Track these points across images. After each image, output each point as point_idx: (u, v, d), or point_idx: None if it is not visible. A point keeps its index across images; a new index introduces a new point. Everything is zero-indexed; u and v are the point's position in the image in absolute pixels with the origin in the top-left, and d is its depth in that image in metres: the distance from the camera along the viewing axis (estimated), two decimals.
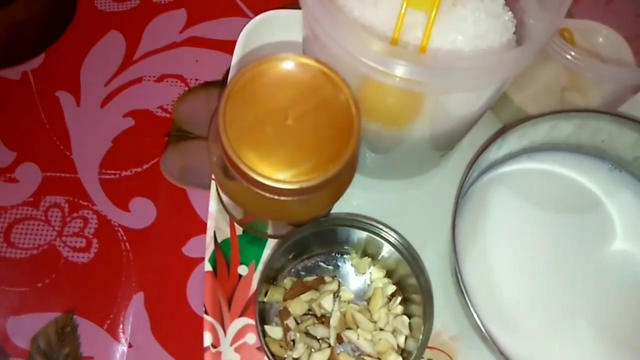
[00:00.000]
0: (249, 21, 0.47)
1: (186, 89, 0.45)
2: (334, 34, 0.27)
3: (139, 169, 0.42)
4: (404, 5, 0.32)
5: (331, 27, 0.27)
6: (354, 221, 0.36)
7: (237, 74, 0.27)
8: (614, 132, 0.37)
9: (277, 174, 0.25)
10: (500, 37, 0.33)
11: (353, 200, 0.39)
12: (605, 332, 0.34)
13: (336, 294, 0.36)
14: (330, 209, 0.37)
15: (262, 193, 0.26)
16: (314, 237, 0.37)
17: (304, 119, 0.26)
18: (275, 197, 0.26)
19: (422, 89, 0.29)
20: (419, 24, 0.33)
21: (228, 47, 0.44)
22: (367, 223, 0.36)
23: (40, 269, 0.39)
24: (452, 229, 0.33)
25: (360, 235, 0.36)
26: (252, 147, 0.26)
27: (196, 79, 0.45)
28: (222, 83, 0.45)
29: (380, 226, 0.35)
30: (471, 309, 0.31)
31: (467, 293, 0.32)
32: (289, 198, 0.26)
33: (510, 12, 0.34)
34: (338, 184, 0.30)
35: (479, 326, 0.31)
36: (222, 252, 0.37)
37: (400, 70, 0.27)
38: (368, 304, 0.36)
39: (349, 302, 0.37)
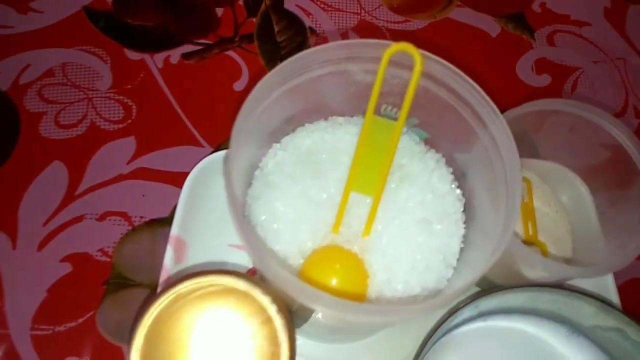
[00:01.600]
0: (203, 152, 0.45)
1: (130, 228, 0.43)
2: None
3: (74, 324, 0.39)
4: (349, 192, 0.31)
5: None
6: None
7: (154, 303, 0.25)
8: (571, 303, 0.35)
9: None
10: (447, 218, 0.32)
11: None
12: None
13: None
14: None
15: None
16: None
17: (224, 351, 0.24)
18: None
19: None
20: (363, 203, 0.32)
21: (179, 179, 0.42)
22: None
23: None
24: None
25: None
26: None
27: (141, 217, 0.43)
28: (169, 220, 0.42)
29: None
30: None
31: None
32: None
33: (458, 190, 0.33)
34: None
35: None
36: None
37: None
38: None
39: None
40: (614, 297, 0.39)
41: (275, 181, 0.33)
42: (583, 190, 0.41)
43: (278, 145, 0.34)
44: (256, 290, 0.26)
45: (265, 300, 0.26)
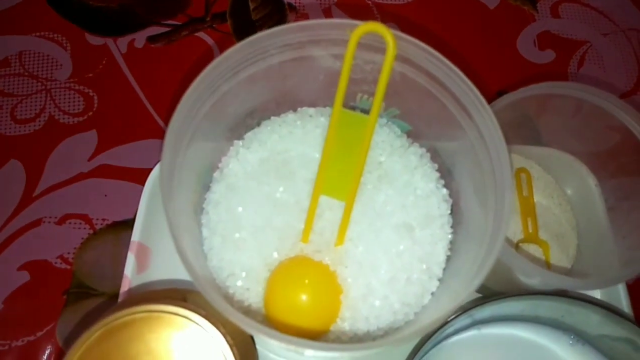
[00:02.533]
0: None
1: (91, 231, 0.39)
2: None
3: (32, 337, 0.36)
4: (318, 195, 0.27)
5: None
6: None
7: (85, 336, 0.21)
8: (574, 310, 0.31)
9: None
10: (431, 222, 0.28)
11: None
12: None
13: None
14: None
15: None
16: None
17: None
18: None
19: None
20: (337, 208, 0.28)
21: (145, 177, 0.38)
22: None
23: None
24: None
25: None
26: None
27: (104, 219, 0.39)
28: (133, 222, 0.39)
29: None
30: None
31: None
32: None
33: (445, 190, 0.29)
34: None
35: None
36: None
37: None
38: None
39: None
40: (625, 302, 0.35)
41: (237, 184, 0.29)
42: (590, 180, 0.37)
43: (240, 142, 0.30)
44: (205, 320, 0.22)
45: (206, 325, 0.22)
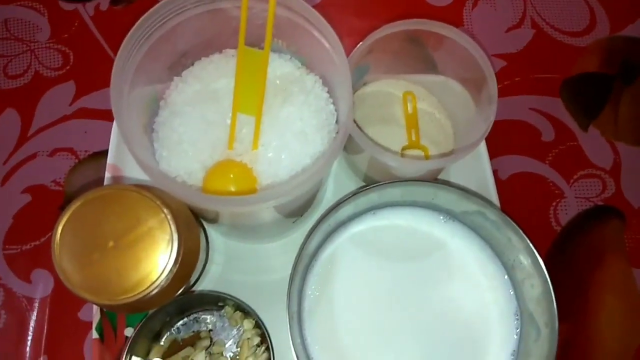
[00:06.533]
0: None
1: (76, 161, 0.49)
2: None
3: (38, 242, 0.47)
4: (235, 112, 0.37)
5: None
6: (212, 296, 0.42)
7: (72, 204, 0.32)
8: (439, 193, 0.42)
9: (102, 295, 0.31)
10: (321, 129, 0.38)
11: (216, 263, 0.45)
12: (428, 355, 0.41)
13: (208, 349, 0.42)
14: (198, 278, 0.42)
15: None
16: (194, 299, 0.42)
17: (126, 241, 0.32)
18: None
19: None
20: (252, 124, 0.38)
21: None
22: (225, 297, 0.41)
23: None
24: (289, 291, 0.38)
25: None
26: (80, 272, 0.31)
27: (85, 151, 0.50)
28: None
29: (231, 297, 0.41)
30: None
31: (304, 348, 0.38)
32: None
33: (332, 105, 0.39)
34: (175, 280, 0.35)
35: None
36: (108, 319, 0.43)
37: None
38: None
39: (220, 354, 0.43)
40: (493, 192, 0.46)
41: (178, 109, 0.39)
42: (470, 103, 0.46)
43: (179, 78, 0.40)
44: (150, 195, 0.33)
45: (158, 202, 0.33)
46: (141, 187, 0.33)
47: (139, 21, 0.33)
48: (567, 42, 0.56)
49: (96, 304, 0.32)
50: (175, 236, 0.32)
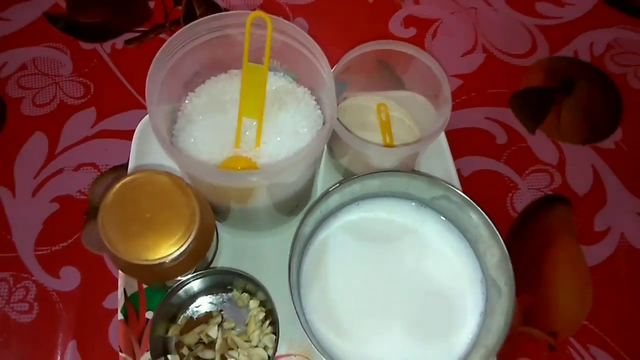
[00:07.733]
0: (145, 112, 0.59)
1: (99, 174, 0.57)
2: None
3: (65, 244, 0.53)
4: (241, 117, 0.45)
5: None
6: (228, 272, 0.49)
7: (113, 187, 0.39)
8: (411, 182, 0.50)
9: (141, 256, 0.38)
10: (311, 129, 0.47)
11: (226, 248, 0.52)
12: (410, 328, 0.47)
13: (220, 325, 0.49)
14: (209, 263, 0.49)
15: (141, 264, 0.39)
16: (202, 283, 0.49)
17: (159, 214, 0.39)
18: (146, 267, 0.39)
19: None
20: (255, 127, 0.46)
21: (131, 134, 0.56)
22: (237, 273, 0.48)
23: None
24: (289, 264, 0.45)
25: (238, 279, 0.49)
26: (124, 239, 0.38)
27: (106, 165, 0.57)
28: (127, 165, 0.57)
29: (243, 273, 0.48)
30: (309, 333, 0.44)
31: (304, 315, 0.45)
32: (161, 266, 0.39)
33: (319, 110, 0.48)
34: (194, 253, 0.42)
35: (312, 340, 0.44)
36: (132, 303, 0.49)
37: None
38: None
39: (231, 329, 0.49)
40: (456, 182, 0.55)
41: (193, 118, 0.47)
42: (430, 105, 0.55)
43: (193, 93, 0.48)
44: (176, 178, 0.40)
45: (186, 188, 0.40)
46: (168, 173, 0.41)
47: (162, 47, 0.41)
48: (513, 63, 0.66)
49: (133, 265, 0.39)
50: (197, 211, 0.40)
